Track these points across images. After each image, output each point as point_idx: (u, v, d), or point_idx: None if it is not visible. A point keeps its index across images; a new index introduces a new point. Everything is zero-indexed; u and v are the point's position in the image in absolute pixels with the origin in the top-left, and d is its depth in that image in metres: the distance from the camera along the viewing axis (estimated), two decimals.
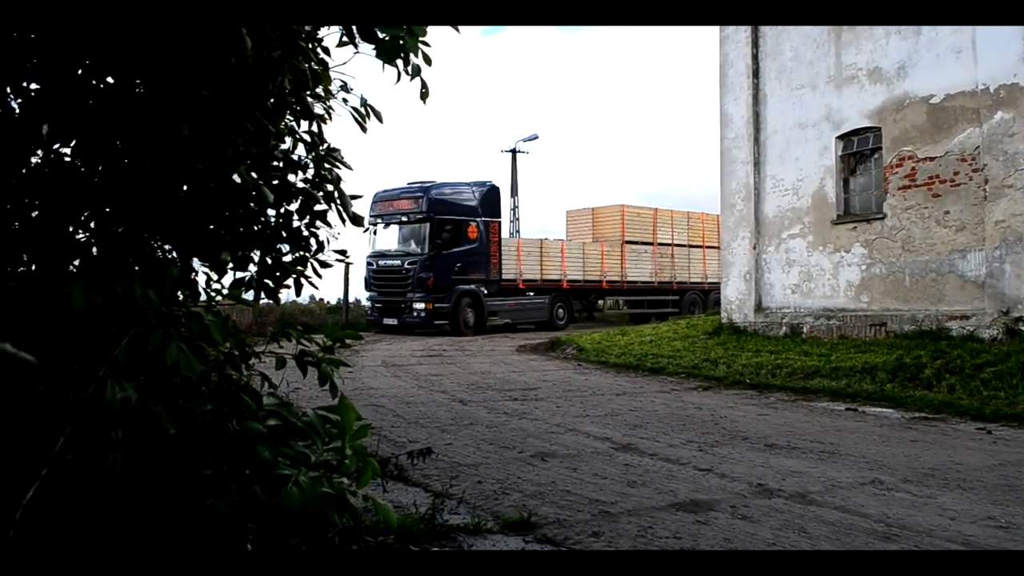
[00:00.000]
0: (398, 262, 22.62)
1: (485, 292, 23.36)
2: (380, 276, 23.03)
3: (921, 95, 13.47)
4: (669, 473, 5.45)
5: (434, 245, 22.21)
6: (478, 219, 23.34)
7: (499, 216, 24.48)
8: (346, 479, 2.63)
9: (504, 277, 24.13)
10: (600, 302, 29.75)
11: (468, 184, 23.97)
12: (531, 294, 24.86)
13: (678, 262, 29.82)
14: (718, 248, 29.57)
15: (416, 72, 2.82)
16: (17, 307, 2.29)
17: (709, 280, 29.90)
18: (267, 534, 2.32)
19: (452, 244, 22.46)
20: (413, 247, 22.76)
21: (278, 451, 2.39)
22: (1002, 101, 12.28)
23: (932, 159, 13.25)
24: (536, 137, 49.44)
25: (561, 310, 26.07)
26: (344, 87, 3.36)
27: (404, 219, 22.99)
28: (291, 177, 3.23)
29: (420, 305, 21.84)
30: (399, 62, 2.74)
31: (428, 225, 22.30)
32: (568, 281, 26.13)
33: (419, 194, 22.90)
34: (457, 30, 2.95)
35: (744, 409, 8.78)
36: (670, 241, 29.69)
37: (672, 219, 29.96)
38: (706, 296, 30.16)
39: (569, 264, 26.18)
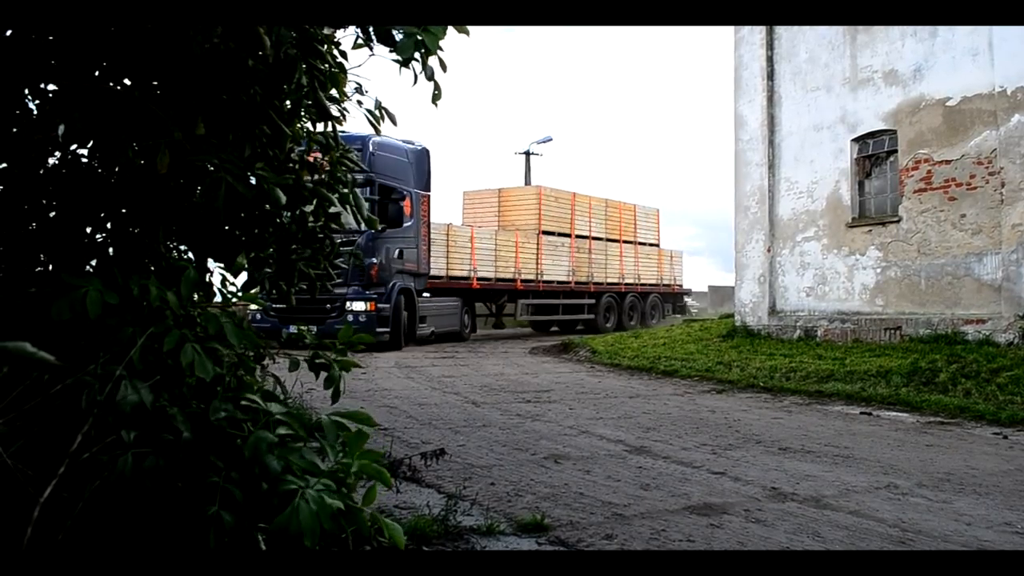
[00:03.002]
0: None
1: (417, 290, 18.38)
2: None
3: (937, 97, 13.39)
4: (682, 476, 5.43)
5: (383, 218, 16.32)
6: (412, 190, 17.98)
7: (430, 190, 18.89)
8: (356, 494, 2.62)
9: (432, 271, 19.01)
10: (512, 306, 23.13)
11: (401, 143, 18.24)
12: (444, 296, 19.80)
13: (595, 259, 25.15)
14: (637, 244, 27.36)
15: (431, 75, 2.82)
16: (36, 307, 2.30)
17: (626, 282, 26.46)
18: (273, 544, 2.32)
19: (395, 221, 17.12)
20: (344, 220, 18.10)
21: (287, 461, 2.38)
22: (1019, 103, 12.20)
23: (948, 162, 13.17)
24: (550, 139, 49.35)
25: (467, 316, 21.04)
26: (359, 89, 3.37)
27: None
28: (306, 179, 3.24)
29: (360, 306, 16.46)
30: (415, 64, 2.75)
31: (369, 189, 16.28)
32: (478, 279, 20.75)
33: (357, 145, 15.98)
34: (467, 32, 2.96)
35: (758, 412, 8.75)
36: (587, 233, 24.98)
37: (590, 207, 25.33)
38: (621, 300, 26.14)
39: (478, 258, 20.71)
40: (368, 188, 16.08)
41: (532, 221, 23.12)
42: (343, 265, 15.99)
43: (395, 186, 17.21)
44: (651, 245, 28.61)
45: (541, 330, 25.47)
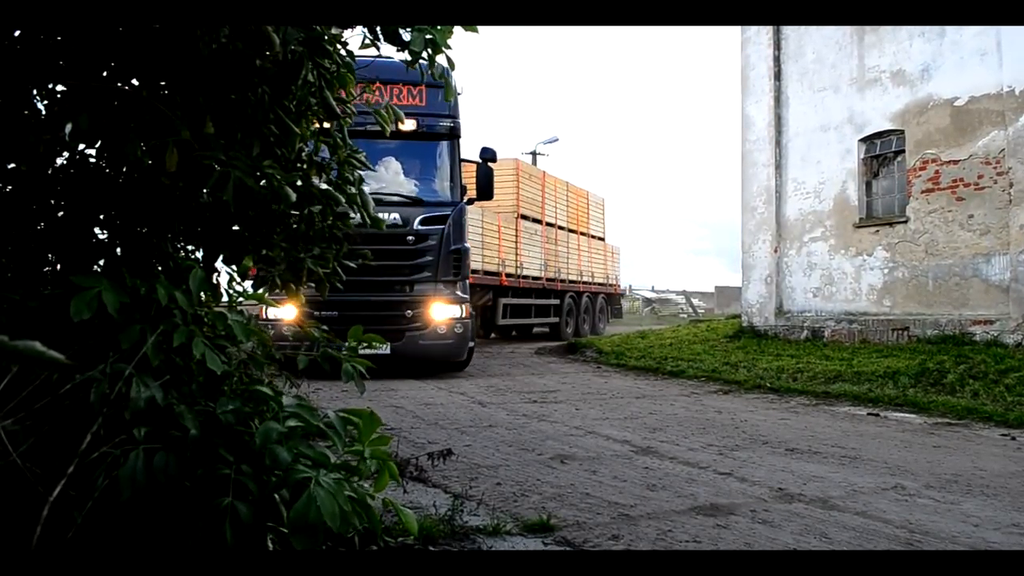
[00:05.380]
0: (394, 216, 11.56)
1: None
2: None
3: (945, 97, 13.36)
4: (689, 477, 5.42)
5: (484, 186, 12.19)
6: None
7: None
8: (365, 483, 2.64)
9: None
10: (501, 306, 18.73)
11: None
12: None
13: (560, 252, 21.53)
14: (590, 237, 23.84)
15: (441, 73, 2.83)
16: (45, 307, 2.31)
17: (583, 280, 23.10)
18: (286, 536, 2.33)
19: (488, 191, 12.31)
20: (416, 188, 12.17)
21: (298, 451, 2.40)
22: None
23: (956, 162, 13.13)
24: (556, 140, 49.27)
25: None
26: (366, 89, 3.38)
27: (405, 128, 11.31)
28: (314, 179, 3.25)
29: (455, 310, 11.84)
30: (423, 63, 2.75)
31: (452, 145, 12.10)
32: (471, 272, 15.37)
33: (435, 82, 10.61)
34: (475, 30, 2.96)
35: (764, 413, 8.73)
36: (555, 221, 21.39)
37: (555, 190, 21.61)
38: (578, 301, 22.66)
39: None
40: (451, 142, 12.13)
41: (510, 202, 19.13)
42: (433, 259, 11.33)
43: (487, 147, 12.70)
44: (599, 239, 25.37)
45: (504, 335, 22.26)
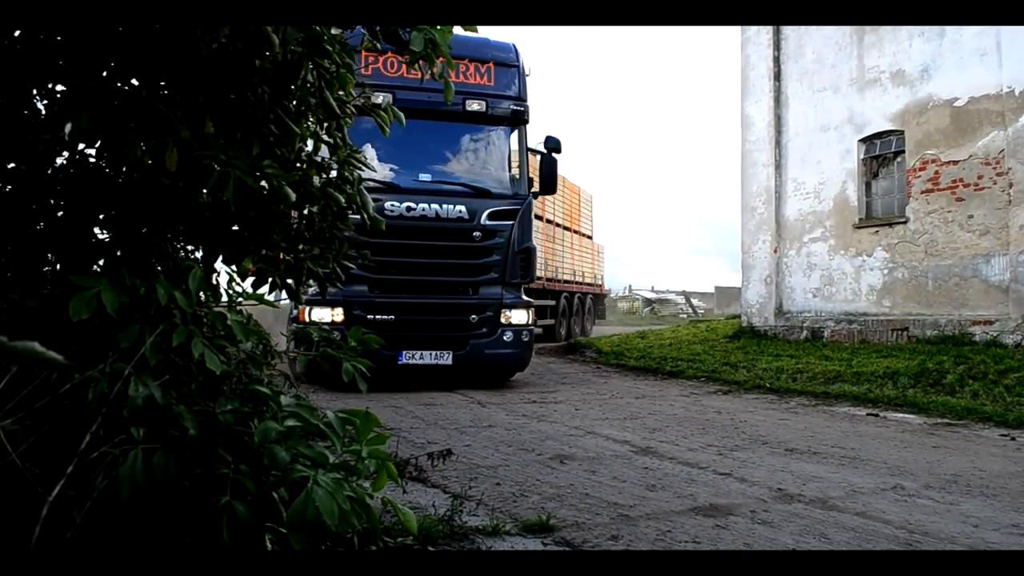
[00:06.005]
0: (460, 209, 10.34)
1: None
2: (402, 247, 10.08)
3: (944, 98, 13.36)
4: (688, 477, 5.42)
5: (547, 179, 11.18)
6: None
7: None
8: (364, 482, 2.64)
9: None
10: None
11: None
12: None
13: (556, 249, 20.55)
14: (582, 235, 22.68)
15: (441, 73, 2.83)
16: (44, 307, 2.31)
17: (576, 280, 22.27)
18: (285, 536, 2.33)
19: (552, 185, 11.29)
20: (480, 178, 10.85)
21: (296, 451, 2.40)
22: None
23: (955, 162, 13.13)
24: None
25: None
26: (367, 89, 3.38)
27: (472, 107, 10.51)
28: (314, 179, 3.25)
29: (521, 316, 10.71)
30: (422, 63, 2.75)
31: (520, 131, 11.06)
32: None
33: (502, 55, 10.85)
34: (475, 31, 2.96)
35: (764, 413, 8.73)
36: (552, 217, 20.21)
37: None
38: (570, 302, 21.59)
39: None
40: (520, 128, 11.05)
41: None
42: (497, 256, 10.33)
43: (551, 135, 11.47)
44: (587, 237, 24.63)
45: None
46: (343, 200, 3.19)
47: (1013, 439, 7.17)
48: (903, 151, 14.12)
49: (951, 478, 5.52)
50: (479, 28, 2.91)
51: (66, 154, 2.79)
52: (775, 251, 16.33)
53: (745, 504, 4.72)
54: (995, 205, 12.56)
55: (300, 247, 3.23)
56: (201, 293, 2.59)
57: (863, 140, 14.91)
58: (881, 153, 14.76)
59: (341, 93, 3.23)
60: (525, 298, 11.07)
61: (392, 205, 10.04)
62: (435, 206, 10.25)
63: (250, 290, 3.09)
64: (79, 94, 2.55)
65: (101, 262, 2.84)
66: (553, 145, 11.24)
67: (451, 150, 10.99)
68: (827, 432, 7.47)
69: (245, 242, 3.01)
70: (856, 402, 9.54)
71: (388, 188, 10.20)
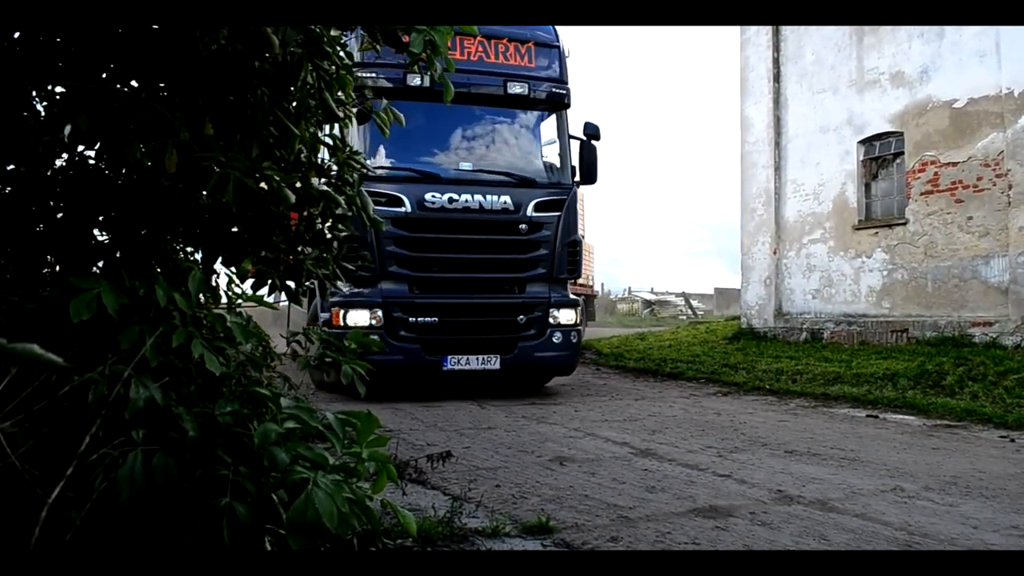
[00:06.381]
0: (505, 200, 9.69)
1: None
2: (444, 242, 9.56)
3: (944, 99, 13.36)
4: (688, 479, 5.42)
5: (589, 168, 10.49)
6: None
7: None
8: (364, 484, 2.64)
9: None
10: None
11: None
12: None
13: None
14: None
15: (440, 75, 2.83)
16: (44, 308, 2.31)
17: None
18: (284, 537, 2.33)
19: (593, 175, 10.56)
20: (522, 166, 10.24)
21: (296, 453, 2.40)
22: None
23: (955, 164, 13.13)
24: (554, 142, 49.11)
25: None
26: (366, 90, 3.38)
27: (514, 90, 9.81)
28: (313, 180, 3.25)
29: (569, 315, 10.11)
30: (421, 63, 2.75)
31: (562, 116, 10.52)
32: None
33: (542, 35, 9.97)
34: (473, 32, 2.96)
35: (764, 415, 8.73)
36: None
37: None
38: None
39: None
40: (562, 113, 10.46)
41: None
42: (541, 250, 9.55)
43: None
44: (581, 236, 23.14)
45: None
46: (343, 201, 3.19)
47: (1012, 440, 7.17)
48: (902, 152, 14.11)
49: (951, 479, 5.52)
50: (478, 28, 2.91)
51: (66, 156, 2.79)
52: (775, 252, 16.33)
53: (745, 506, 4.72)
54: (994, 207, 12.56)
55: (300, 248, 3.23)
56: (201, 295, 2.59)
57: (862, 141, 14.90)
58: (880, 154, 14.76)
59: (340, 94, 3.23)
60: (572, 296, 10.47)
61: (433, 196, 9.36)
62: (479, 197, 9.53)
63: (249, 292, 3.09)
64: (78, 96, 2.55)
65: (100, 264, 2.84)
66: (592, 131, 10.49)
67: (490, 136, 10.27)
68: (826, 433, 7.47)
69: (244, 243, 3.00)
70: (856, 404, 9.54)
71: (427, 178, 9.56)
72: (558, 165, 10.44)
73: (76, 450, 2.12)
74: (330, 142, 3.35)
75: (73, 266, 2.74)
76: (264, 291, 3.22)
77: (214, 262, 3.03)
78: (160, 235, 2.85)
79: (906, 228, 13.87)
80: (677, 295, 56.25)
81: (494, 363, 9.55)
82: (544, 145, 10.65)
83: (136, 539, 2.25)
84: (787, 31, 16.40)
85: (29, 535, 1.96)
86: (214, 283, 2.99)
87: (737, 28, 17.58)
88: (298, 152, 3.06)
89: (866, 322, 14.34)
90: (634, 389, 11.20)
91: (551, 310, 9.92)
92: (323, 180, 3.27)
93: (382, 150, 9.66)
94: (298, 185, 2.93)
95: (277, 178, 2.60)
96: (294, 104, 2.95)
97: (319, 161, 3.29)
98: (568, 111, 10.49)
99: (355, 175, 3.31)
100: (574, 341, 10.15)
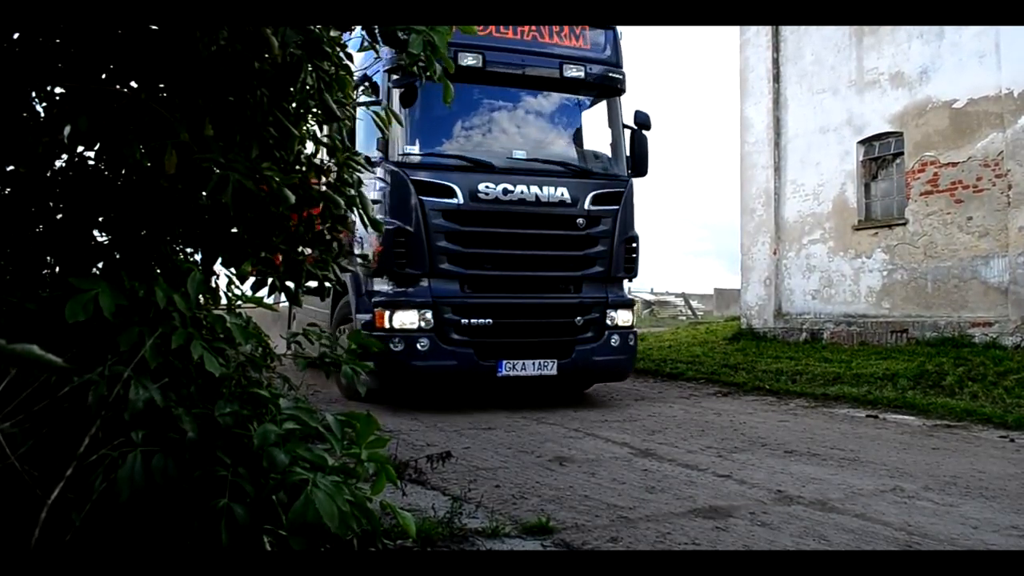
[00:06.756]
0: (562, 192, 8.98)
1: None
2: (497, 237, 8.88)
3: (944, 100, 13.35)
4: (688, 479, 5.42)
5: (640, 159, 9.77)
6: None
7: None
8: (364, 485, 2.64)
9: None
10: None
11: None
12: None
13: None
14: None
15: (440, 75, 2.83)
16: (44, 309, 2.31)
17: None
18: (284, 538, 2.33)
19: (644, 166, 9.85)
20: (576, 155, 9.69)
21: (295, 454, 2.40)
22: None
23: (955, 164, 13.13)
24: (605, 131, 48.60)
25: None
26: (366, 91, 3.38)
27: (570, 73, 8.99)
28: (313, 181, 3.25)
29: (626, 316, 9.61)
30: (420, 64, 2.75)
31: (615, 103, 9.73)
32: None
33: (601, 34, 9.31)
34: (473, 32, 2.96)
35: (763, 415, 8.73)
36: None
37: None
38: None
39: None
40: (615, 100, 9.66)
41: None
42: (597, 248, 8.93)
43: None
44: None
45: None
46: (343, 202, 3.19)
47: (1012, 440, 7.17)
48: (902, 153, 14.10)
49: (950, 480, 5.52)
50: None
51: (65, 156, 2.79)
52: (774, 253, 16.33)
53: (745, 506, 4.72)
54: (994, 207, 12.55)
55: (300, 249, 3.23)
56: (200, 296, 2.59)
57: (862, 142, 14.89)
58: (880, 155, 14.75)
59: (340, 95, 3.23)
60: (629, 296, 9.90)
61: (487, 187, 8.60)
62: (535, 188, 8.80)
63: (249, 293, 3.09)
64: (78, 96, 2.55)
65: (100, 264, 2.84)
66: (643, 120, 9.70)
67: (544, 122, 9.54)
68: (826, 434, 7.47)
69: (244, 244, 3.00)
70: (855, 404, 9.53)
71: (479, 166, 8.72)
72: (610, 155, 9.73)
73: (76, 451, 2.12)
74: (330, 143, 3.35)
75: (73, 267, 2.74)
76: (264, 292, 3.22)
77: (214, 263, 3.03)
78: (160, 236, 2.85)
79: (906, 228, 13.87)
80: (677, 295, 56.24)
81: (551, 368, 8.90)
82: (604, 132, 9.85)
83: (135, 540, 2.25)
84: (787, 31, 16.40)
85: (29, 535, 1.96)
86: (214, 284, 2.99)
87: (737, 28, 17.57)
88: (298, 153, 3.07)
89: (866, 322, 14.33)
90: (634, 389, 11.20)
91: (609, 311, 9.30)
92: (323, 180, 3.27)
93: (428, 136, 8.79)
94: (298, 185, 2.92)
95: (277, 179, 2.60)
96: (294, 105, 2.95)
97: (320, 161, 3.29)
98: (622, 96, 9.69)
99: (355, 176, 3.31)
100: (632, 344, 9.60)
